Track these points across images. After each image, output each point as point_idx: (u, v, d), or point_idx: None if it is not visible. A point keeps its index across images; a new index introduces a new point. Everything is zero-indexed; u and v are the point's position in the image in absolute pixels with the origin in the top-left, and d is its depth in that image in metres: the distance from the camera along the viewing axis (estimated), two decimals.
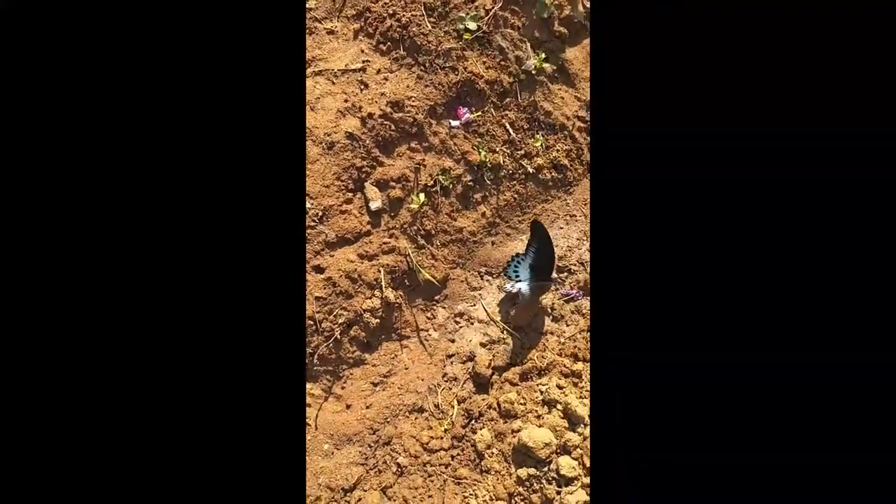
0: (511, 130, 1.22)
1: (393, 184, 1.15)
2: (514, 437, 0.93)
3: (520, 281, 1.13)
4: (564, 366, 1.02)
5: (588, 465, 0.89)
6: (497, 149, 1.21)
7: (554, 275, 1.17)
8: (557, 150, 1.25)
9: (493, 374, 1.08)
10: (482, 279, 1.22)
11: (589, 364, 1.02)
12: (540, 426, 0.93)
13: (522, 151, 1.23)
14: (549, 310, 1.16)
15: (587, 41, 1.31)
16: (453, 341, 1.15)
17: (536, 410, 0.96)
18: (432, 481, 0.96)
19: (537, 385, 1.00)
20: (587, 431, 0.92)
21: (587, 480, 0.88)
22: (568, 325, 1.13)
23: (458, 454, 0.98)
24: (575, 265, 1.21)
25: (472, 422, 1.01)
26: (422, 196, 1.15)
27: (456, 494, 0.92)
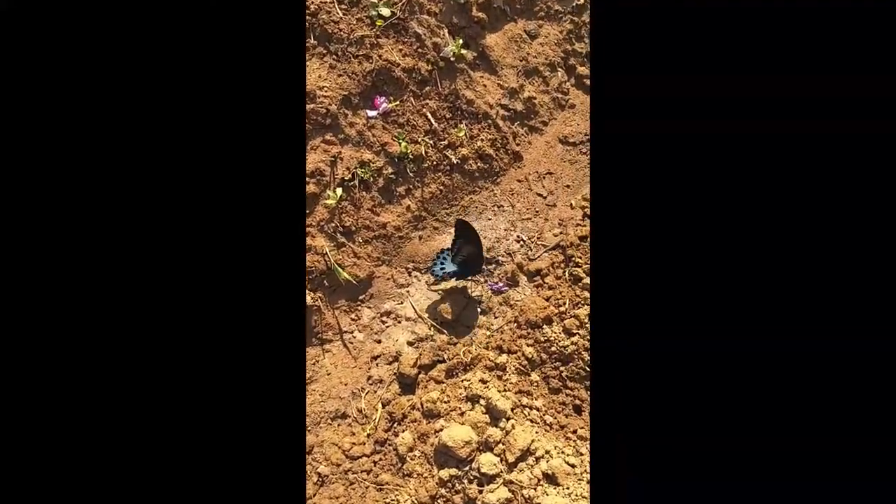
0: (433, 120, 1.18)
1: (307, 179, 1.09)
2: (437, 437, 0.89)
3: (446, 277, 1.09)
4: (489, 359, 0.98)
5: (510, 460, 0.85)
6: (419, 139, 1.17)
7: (483, 266, 1.14)
8: (482, 140, 1.22)
9: (419, 373, 1.03)
10: (409, 275, 1.17)
11: (513, 356, 0.99)
12: (462, 424, 0.88)
13: (446, 142, 1.19)
14: (478, 303, 1.12)
15: (508, 27, 1.29)
16: (379, 342, 1.10)
17: (460, 408, 0.92)
18: (354, 489, 0.90)
19: (461, 381, 0.96)
20: (509, 425, 0.88)
21: (509, 476, 0.84)
22: (496, 318, 1.10)
23: (381, 459, 0.93)
24: (503, 256, 1.17)
25: (395, 424, 0.95)
26: (339, 191, 1.10)
27: (377, 501, 0.87)
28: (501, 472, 0.84)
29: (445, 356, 1.03)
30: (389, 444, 0.94)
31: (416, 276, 1.17)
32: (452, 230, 1.14)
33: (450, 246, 1.12)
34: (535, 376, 0.98)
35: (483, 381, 0.95)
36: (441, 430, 0.89)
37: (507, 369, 0.97)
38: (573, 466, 0.86)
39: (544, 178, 1.25)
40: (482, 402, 0.91)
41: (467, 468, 0.86)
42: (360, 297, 1.14)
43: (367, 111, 1.14)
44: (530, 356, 0.99)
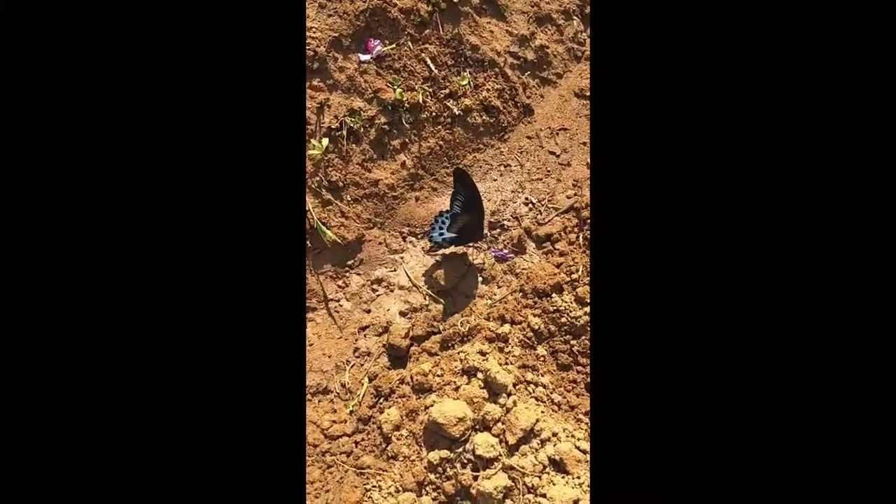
0: (432, 66, 1.06)
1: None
2: (427, 413, 0.77)
3: (445, 243, 0.97)
4: (490, 329, 0.86)
5: (511, 442, 0.73)
6: (416, 86, 1.05)
7: (485, 232, 1.01)
8: (488, 90, 1.09)
9: (410, 344, 0.91)
10: (404, 240, 1.05)
11: (517, 326, 0.86)
12: (456, 399, 0.76)
13: (447, 90, 1.07)
14: (478, 271, 1.00)
15: None
16: (369, 311, 0.99)
17: (454, 382, 0.80)
18: (331, 473, 0.79)
19: (458, 353, 0.84)
20: (510, 401, 0.76)
21: (509, 461, 0.72)
22: (499, 287, 0.97)
23: (363, 439, 0.81)
24: (509, 221, 1.05)
25: (381, 400, 0.84)
26: (325, 141, 0.98)
27: (356, 488, 0.76)
28: (500, 455, 0.72)
29: (441, 327, 0.91)
30: (374, 423, 0.82)
31: (411, 242, 1.05)
32: (453, 191, 1.02)
33: (448, 208, 1.00)
34: (541, 350, 0.85)
35: (482, 353, 0.83)
36: (432, 405, 0.77)
37: (510, 341, 0.85)
38: (584, 452, 0.74)
39: (557, 134, 1.12)
40: (480, 375, 0.79)
41: (460, 450, 0.74)
42: (349, 263, 1.02)
43: (360, 55, 1.03)
44: (537, 328, 0.86)
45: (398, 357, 0.91)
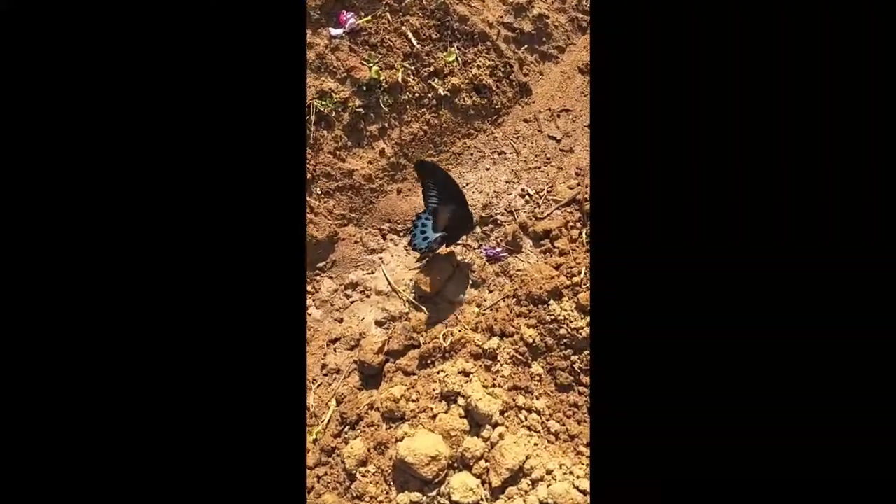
0: (414, 40, 0.93)
1: None
2: (396, 448, 0.64)
3: (434, 246, 0.84)
4: (476, 344, 0.73)
5: (495, 484, 0.60)
6: (396, 64, 0.92)
7: (475, 219, 0.88)
8: (479, 67, 0.96)
9: (385, 361, 0.79)
10: (384, 239, 0.93)
11: (508, 339, 0.74)
12: (431, 431, 0.64)
13: (431, 68, 0.94)
14: (467, 272, 0.87)
15: None
16: (341, 321, 0.87)
17: (431, 409, 0.68)
18: None
19: (437, 373, 0.72)
20: (496, 434, 0.63)
21: None
22: (490, 291, 0.84)
23: (326, 474, 0.69)
24: (502, 215, 0.92)
25: (347, 429, 0.72)
26: None
27: None
28: (482, 499, 0.60)
29: (421, 340, 0.79)
30: (338, 455, 0.70)
31: (392, 240, 0.92)
32: (422, 188, 0.87)
33: (425, 207, 0.87)
34: (536, 368, 0.72)
35: (465, 374, 0.70)
36: (403, 438, 0.65)
37: (500, 358, 0.72)
38: (585, 493, 0.61)
39: (559, 116, 0.99)
40: (461, 401, 0.67)
41: (434, 493, 0.61)
42: (319, 265, 0.90)
43: (331, 29, 0.90)
44: (531, 340, 0.73)
45: (371, 375, 0.79)
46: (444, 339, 0.76)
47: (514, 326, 0.75)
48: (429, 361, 0.75)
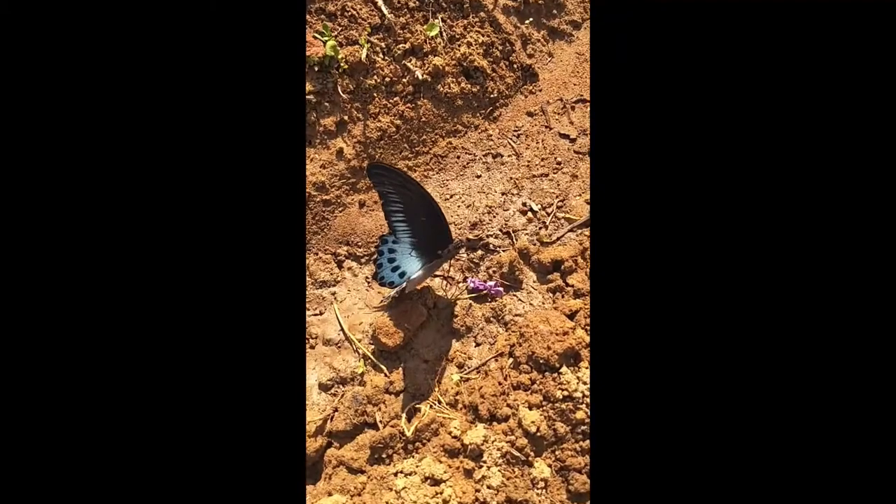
0: (385, 9, 0.71)
1: None
2: None
3: (413, 281, 0.62)
4: (453, 432, 0.50)
5: None
6: (360, 38, 0.70)
7: (453, 236, 0.65)
8: (469, 45, 0.74)
9: (327, 445, 0.56)
10: (339, 267, 0.70)
11: (502, 425, 0.51)
12: None
13: (407, 45, 0.72)
14: (445, 315, 0.64)
15: None
16: None
17: None
18: None
19: (394, 475, 0.48)
20: None
21: None
22: (477, 345, 0.61)
23: None
24: (497, 237, 0.69)
25: None
26: None
27: None
28: None
29: (377, 417, 0.56)
30: None
31: (350, 269, 0.70)
32: (381, 201, 0.65)
33: (389, 229, 0.64)
34: (540, 467, 0.49)
35: (434, 481, 0.47)
36: None
37: (487, 457, 0.49)
38: None
39: (573, 108, 0.76)
40: None
41: None
42: None
43: None
44: (534, 428, 0.50)
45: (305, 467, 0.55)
46: (409, 422, 0.52)
47: (509, 404, 0.52)
48: (385, 454, 0.52)
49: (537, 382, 0.53)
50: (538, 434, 0.51)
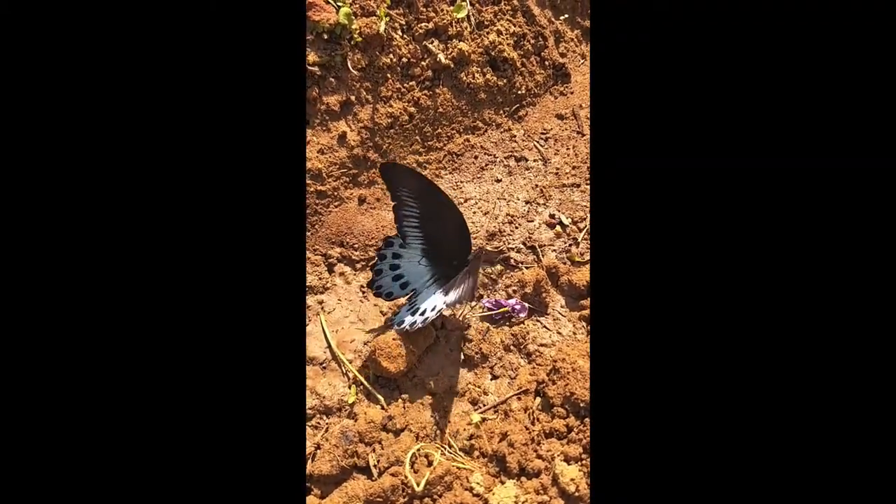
0: None
1: None
2: None
3: (416, 299, 0.52)
4: (472, 488, 0.40)
5: None
6: (378, 9, 0.60)
7: (483, 246, 0.56)
8: (499, 33, 0.65)
9: (306, 492, 0.44)
10: (330, 272, 0.59)
11: (532, 482, 0.41)
12: None
13: (431, 24, 0.63)
14: (458, 340, 0.54)
15: None
16: None
17: None
18: None
19: None
20: None
21: None
22: (494, 378, 0.51)
23: None
24: (519, 251, 0.59)
25: None
26: None
27: None
28: None
29: (371, 460, 0.45)
30: None
31: (342, 275, 0.59)
32: (393, 204, 0.55)
33: (397, 230, 0.54)
34: None
35: None
36: None
37: None
38: None
39: None
40: None
41: None
42: None
43: None
44: (572, 487, 0.40)
45: None
46: (414, 470, 0.42)
47: (541, 455, 0.42)
48: None
49: (575, 430, 0.43)
50: (576, 494, 0.41)
